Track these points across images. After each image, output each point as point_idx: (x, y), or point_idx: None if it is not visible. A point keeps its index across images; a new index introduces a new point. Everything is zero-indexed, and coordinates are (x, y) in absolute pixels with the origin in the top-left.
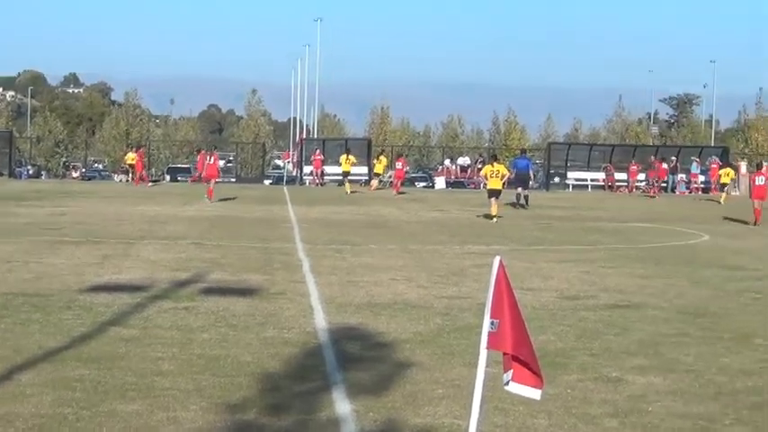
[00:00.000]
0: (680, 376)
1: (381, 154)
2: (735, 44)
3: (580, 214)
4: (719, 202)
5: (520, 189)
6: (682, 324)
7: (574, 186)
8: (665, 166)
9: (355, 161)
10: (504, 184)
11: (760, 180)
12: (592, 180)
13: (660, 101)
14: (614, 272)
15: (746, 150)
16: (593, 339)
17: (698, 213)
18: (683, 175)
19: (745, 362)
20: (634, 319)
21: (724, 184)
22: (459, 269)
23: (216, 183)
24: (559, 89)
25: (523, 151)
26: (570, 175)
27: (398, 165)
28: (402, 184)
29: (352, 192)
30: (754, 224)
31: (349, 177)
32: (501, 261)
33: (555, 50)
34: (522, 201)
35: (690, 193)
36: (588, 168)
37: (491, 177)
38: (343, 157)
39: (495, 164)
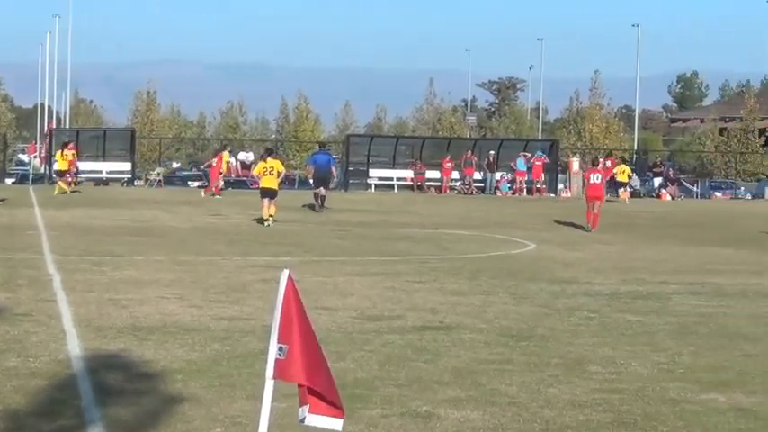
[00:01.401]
0: (501, 410)
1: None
2: (565, 20)
3: (385, 219)
4: (623, 201)
5: (321, 189)
6: (503, 348)
7: (377, 186)
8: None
9: (71, 157)
10: (280, 183)
11: (595, 178)
12: (398, 179)
13: (478, 85)
14: (424, 287)
15: (579, 144)
16: (400, 367)
17: (523, 218)
18: (506, 173)
19: (576, 392)
20: (447, 343)
21: (621, 183)
22: (240, 285)
23: None
24: (360, 71)
25: (322, 145)
26: (372, 173)
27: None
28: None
29: (61, 192)
30: (590, 230)
31: (78, 175)
32: (290, 275)
33: (355, 27)
34: (319, 202)
35: (514, 194)
36: (394, 165)
37: (264, 175)
38: (59, 153)
39: (269, 159)
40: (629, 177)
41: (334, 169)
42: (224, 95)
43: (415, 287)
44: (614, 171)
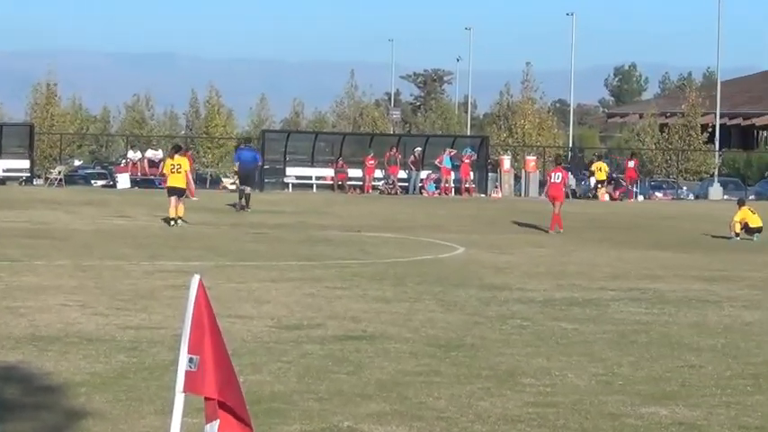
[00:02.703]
0: (428, 425)
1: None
2: (496, 8)
3: (303, 221)
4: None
5: (247, 188)
6: (430, 359)
7: (294, 186)
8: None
9: None
10: (188, 181)
11: (556, 177)
12: (317, 178)
13: (403, 78)
14: (346, 294)
15: (510, 141)
16: (320, 380)
17: (451, 220)
18: (432, 172)
19: (508, 406)
20: (371, 353)
21: (600, 181)
22: (148, 291)
23: None
24: (275, 63)
25: (247, 141)
26: (290, 171)
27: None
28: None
29: None
30: (552, 230)
31: None
32: (201, 281)
33: (269, 16)
34: (245, 201)
35: (441, 194)
36: (313, 163)
37: (171, 173)
38: None
39: (176, 156)
40: (608, 175)
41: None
42: (129, 87)
43: (335, 294)
44: (591, 169)
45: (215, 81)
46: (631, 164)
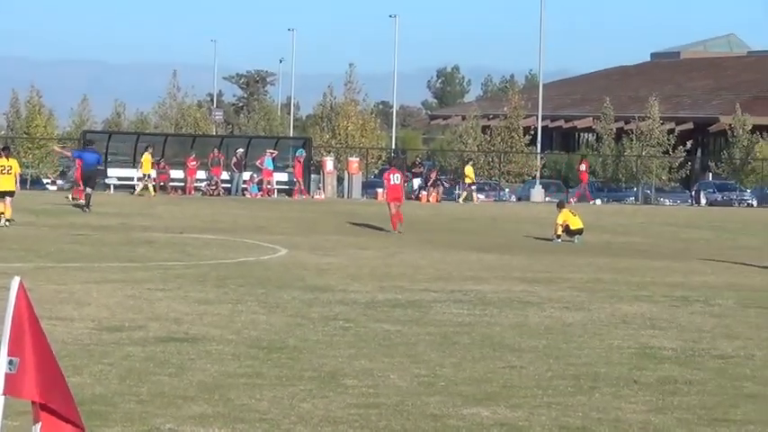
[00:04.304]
0: (251, 427)
1: (146, 150)
2: (319, 9)
3: (125, 223)
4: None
5: (89, 189)
6: (253, 361)
7: (116, 187)
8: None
9: None
10: (16, 182)
11: (395, 179)
12: (139, 179)
13: (225, 79)
14: (167, 295)
15: (333, 142)
16: (142, 382)
17: (273, 222)
18: (255, 173)
19: (331, 408)
20: (193, 355)
21: (470, 184)
22: None
23: None
24: (96, 63)
25: (90, 143)
26: (111, 172)
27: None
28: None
29: None
30: (396, 229)
31: None
32: (21, 283)
33: (91, 16)
34: (91, 202)
35: (264, 195)
36: (134, 164)
37: (1, 174)
38: None
39: (8, 158)
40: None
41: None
42: None
43: (157, 295)
44: (465, 172)
45: (37, 82)
46: (583, 167)
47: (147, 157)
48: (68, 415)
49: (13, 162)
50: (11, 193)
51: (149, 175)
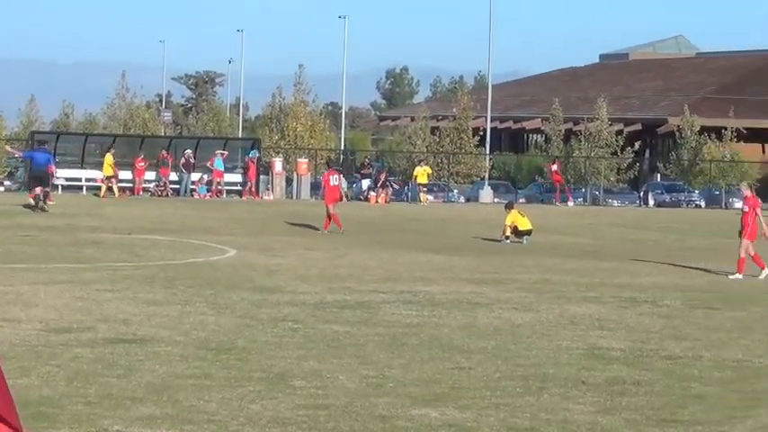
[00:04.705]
0: (198, 428)
1: (109, 150)
2: (268, 10)
3: (72, 223)
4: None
5: (39, 189)
6: (201, 362)
7: (65, 188)
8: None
9: None
10: None
11: (335, 180)
12: (87, 180)
13: (174, 80)
14: (116, 296)
15: (282, 143)
16: (90, 383)
17: (222, 223)
18: (204, 174)
19: (280, 409)
20: (141, 356)
21: (423, 184)
22: None
23: None
24: (43, 63)
25: (42, 143)
26: (59, 173)
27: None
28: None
29: None
30: (326, 229)
31: None
32: None
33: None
34: (42, 203)
35: (212, 196)
36: (83, 165)
37: None
38: None
39: None
40: (429, 178)
41: (52, 168)
42: None
43: (105, 297)
44: (414, 173)
45: None
46: (555, 167)
47: (109, 159)
48: (8, 417)
49: None
50: None
51: (111, 177)
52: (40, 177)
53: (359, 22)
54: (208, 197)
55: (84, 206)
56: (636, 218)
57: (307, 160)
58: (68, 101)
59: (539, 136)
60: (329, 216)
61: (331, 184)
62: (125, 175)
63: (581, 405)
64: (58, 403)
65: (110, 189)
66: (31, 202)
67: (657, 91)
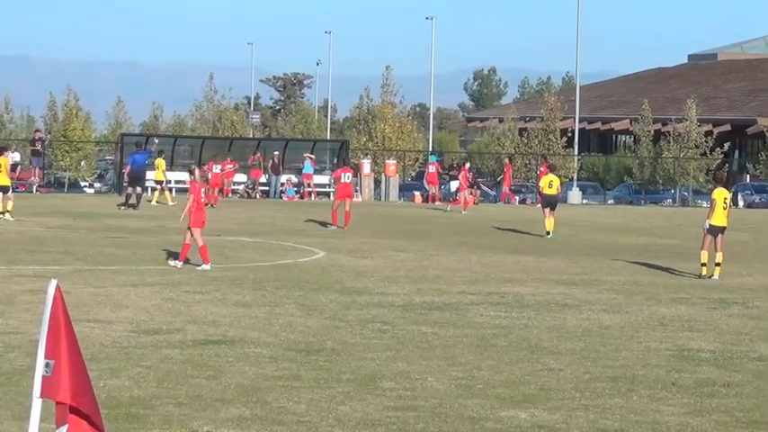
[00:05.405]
0: (288, 429)
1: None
2: (355, 11)
3: (162, 225)
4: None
5: (132, 189)
6: (291, 364)
7: (153, 189)
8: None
9: None
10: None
11: (346, 177)
12: (176, 182)
13: (262, 81)
14: (205, 298)
15: (371, 145)
16: (180, 384)
17: (311, 225)
18: (293, 176)
19: (369, 410)
20: (231, 358)
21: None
22: (5, 296)
23: None
24: (132, 66)
25: (139, 145)
26: (149, 175)
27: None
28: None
29: None
30: (335, 225)
31: None
32: (58, 286)
33: (123, 18)
34: (134, 200)
35: (302, 198)
36: (172, 167)
37: None
38: None
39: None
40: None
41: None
42: None
43: (195, 298)
44: (540, 185)
45: (72, 84)
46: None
47: (161, 163)
48: (94, 418)
49: (4, 160)
50: (6, 188)
51: (164, 182)
52: (138, 178)
53: (446, 23)
54: (296, 199)
55: (172, 208)
56: None
57: (395, 162)
58: (157, 103)
59: (627, 137)
60: (346, 212)
61: (342, 180)
62: (239, 177)
63: (670, 407)
64: (149, 404)
65: (162, 193)
66: (133, 200)
67: (746, 91)
